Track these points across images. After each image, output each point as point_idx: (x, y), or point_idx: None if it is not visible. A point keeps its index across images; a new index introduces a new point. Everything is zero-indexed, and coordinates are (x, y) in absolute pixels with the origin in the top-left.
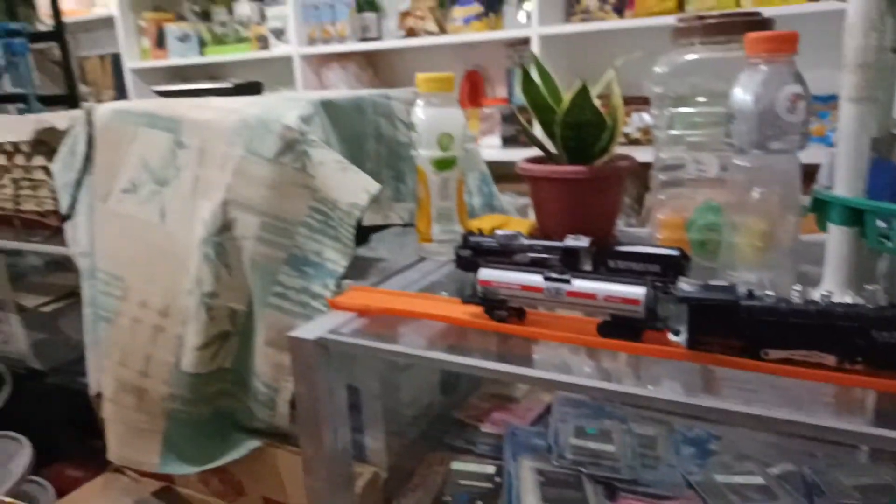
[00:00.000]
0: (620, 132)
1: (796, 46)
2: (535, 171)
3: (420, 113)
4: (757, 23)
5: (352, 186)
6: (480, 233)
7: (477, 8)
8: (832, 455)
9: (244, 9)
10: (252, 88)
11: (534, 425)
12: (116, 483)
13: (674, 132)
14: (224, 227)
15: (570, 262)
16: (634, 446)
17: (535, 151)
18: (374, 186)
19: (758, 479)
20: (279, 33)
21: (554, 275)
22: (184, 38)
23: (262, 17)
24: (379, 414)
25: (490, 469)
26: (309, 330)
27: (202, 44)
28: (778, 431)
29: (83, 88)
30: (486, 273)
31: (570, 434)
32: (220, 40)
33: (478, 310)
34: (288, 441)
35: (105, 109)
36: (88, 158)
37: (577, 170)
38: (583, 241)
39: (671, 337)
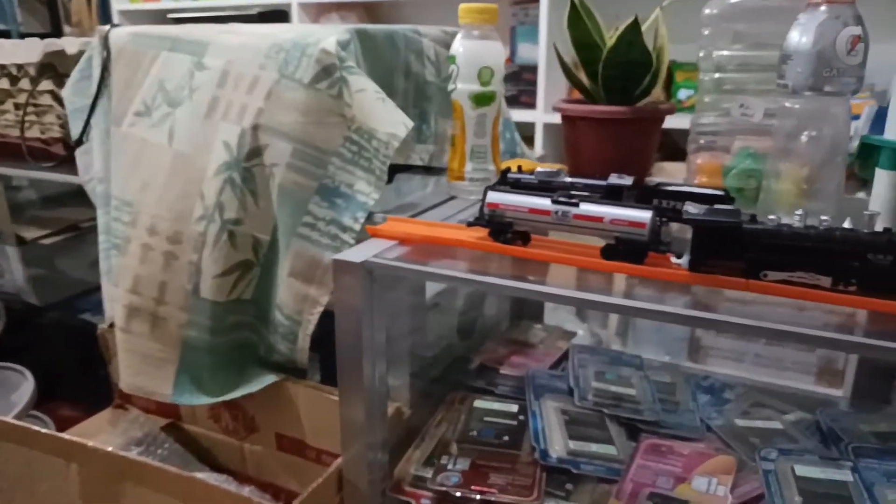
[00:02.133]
0: (664, 75)
1: None
2: (575, 110)
3: (460, 45)
4: None
5: (390, 118)
6: (520, 169)
7: None
8: (843, 406)
9: None
10: (278, 16)
11: (552, 370)
12: (123, 416)
13: (719, 75)
14: (253, 153)
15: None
16: (654, 391)
17: (539, 113)
18: (409, 122)
19: (776, 424)
20: None
21: (562, 198)
22: None
23: None
24: (404, 352)
25: (513, 407)
26: (353, 254)
27: None
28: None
29: (66, 29)
30: (494, 196)
31: (590, 378)
32: None
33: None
34: (305, 377)
35: (122, 32)
36: (103, 82)
37: (619, 110)
38: (626, 180)
39: (674, 260)
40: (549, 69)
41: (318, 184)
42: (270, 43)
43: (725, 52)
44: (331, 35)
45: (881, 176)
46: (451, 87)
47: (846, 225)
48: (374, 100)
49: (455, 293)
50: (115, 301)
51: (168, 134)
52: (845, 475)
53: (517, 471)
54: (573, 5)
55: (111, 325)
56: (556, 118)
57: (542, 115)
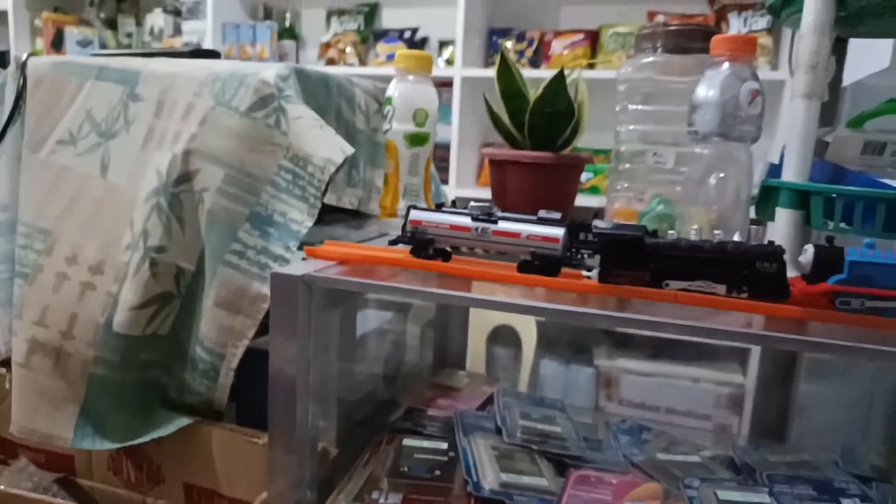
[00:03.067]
0: (584, 127)
1: (756, 49)
2: (504, 155)
3: (396, 88)
4: (709, 32)
5: (327, 143)
6: (454, 204)
7: (400, 46)
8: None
9: (158, 20)
10: (210, 54)
11: (479, 411)
12: (10, 468)
13: (633, 126)
14: (183, 178)
15: None
16: (577, 430)
17: (452, 188)
18: (348, 148)
19: (695, 458)
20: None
21: (482, 215)
22: (85, 43)
23: (177, 31)
24: (332, 391)
25: (443, 445)
26: (293, 269)
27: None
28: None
29: None
30: (416, 214)
31: (517, 417)
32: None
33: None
34: (221, 419)
35: (42, 61)
36: (17, 109)
37: (545, 155)
38: (555, 215)
39: (584, 273)
40: (460, 148)
41: (249, 211)
42: (207, 73)
43: (640, 106)
44: (270, 69)
45: (781, 214)
46: (386, 126)
47: (736, 239)
48: (311, 126)
49: (381, 335)
50: (14, 334)
51: (100, 164)
52: (763, 498)
53: (452, 502)
54: (502, 58)
55: (5, 361)
56: (469, 192)
57: (454, 190)
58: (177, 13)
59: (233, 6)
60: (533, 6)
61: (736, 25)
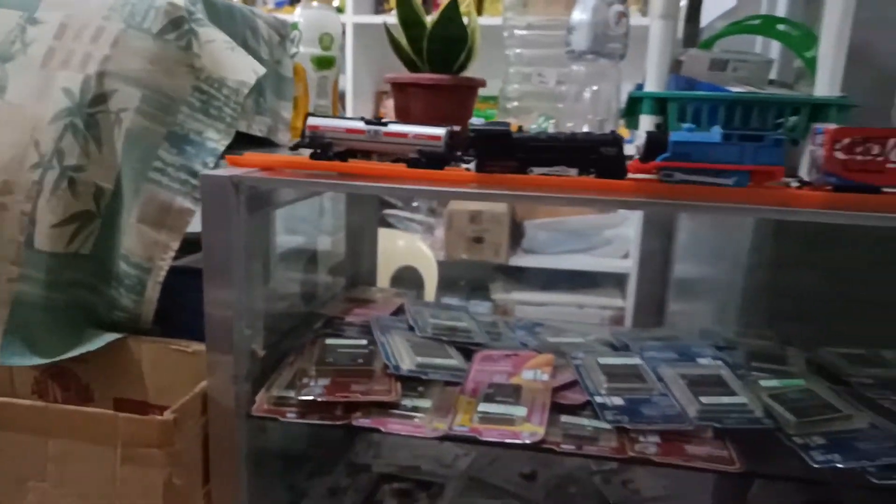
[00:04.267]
0: (476, 54)
1: None
2: (405, 78)
3: (301, 14)
4: None
5: (240, 65)
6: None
7: None
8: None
9: None
10: None
11: (393, 316)
12: None
13: (519, 50)
14: (98, 99)
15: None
16: (480, 326)
17: None
18: (260, 69)
19: (580, 340)
20: None
21: (373, 118)
22: None
23: None
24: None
25: (363, 341)
26: (220, 172)
27: None
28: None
29: None
30: (314, 120)
31: (427, 318)
32: None
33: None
34: (148, 335)
35: None
36: None
37: (443, 77)
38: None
39: (464, 166)
40: (355, 96)
41: (167, 130)
42: None
43: (524, 32)
44: None
45: (644, 120)
46: (294, 51)
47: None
48: (223, 49)
49: (298, 254)
50: None
51: None
52: (636, 361)
53: (375, 381)
54: None
55: None
56: None
57: None
58: None
59: None
60: None
61: None
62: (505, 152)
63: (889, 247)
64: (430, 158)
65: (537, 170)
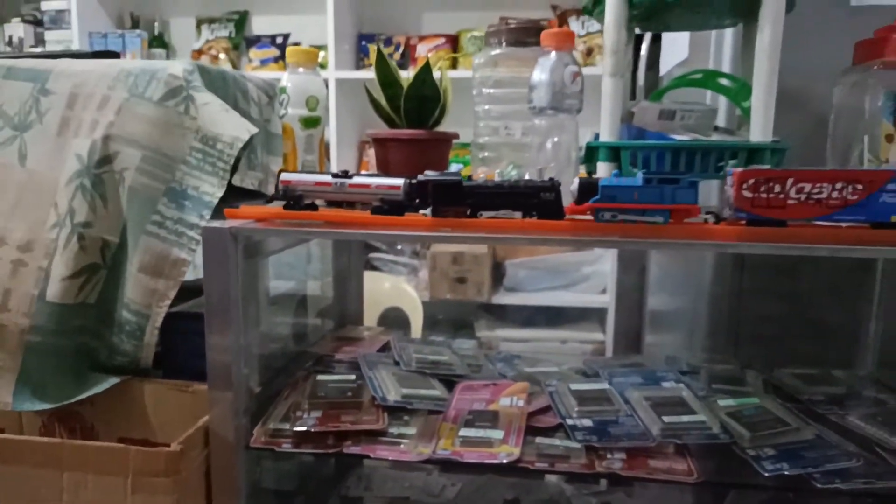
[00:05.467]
0: (449, 110)
1: (574, 41)
2: (385, 133)
3: (289, 79)
4: (541, 28)
5: (234, 124)
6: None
7: (274, 52)
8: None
9: (17, 30)
10: (111, 55)
11: (380, 352)
12: None
13: (488, 107)
14: (104, 161)
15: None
16: (461, 359)
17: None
18: (252, 128)
19: (554, 369)
20: None
21: (339, 172)
22: None
23: (39, 41)
24: (254, 338)
25: (352, 376)
26: (219, 224)
27: None
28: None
29: None
30: (286, 175)
31: (412, 353)
32: None
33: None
34: (149, 377)
35: None
36: None
37: (419, 132)
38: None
39: (422, 212)
40: (339, 145)
41: (165, 187)
42: (118, 69)
43: (492, 90)
44: (177, 65)
45: (601, 166)
46: (282, 112)
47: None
48: (218, 110)
49: (290, 298)
50: None
51: (18, 155)
52: (604, 386)
53: (363, 412)
54: (379, 53)
55: None
56: None
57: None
58: (37, 23)
59: (98, 15)
60: (398, 12)
61: (575, 28)
62: (457, 199)
63: (841, 274)
64: (391, 205)
65: (486, 213)
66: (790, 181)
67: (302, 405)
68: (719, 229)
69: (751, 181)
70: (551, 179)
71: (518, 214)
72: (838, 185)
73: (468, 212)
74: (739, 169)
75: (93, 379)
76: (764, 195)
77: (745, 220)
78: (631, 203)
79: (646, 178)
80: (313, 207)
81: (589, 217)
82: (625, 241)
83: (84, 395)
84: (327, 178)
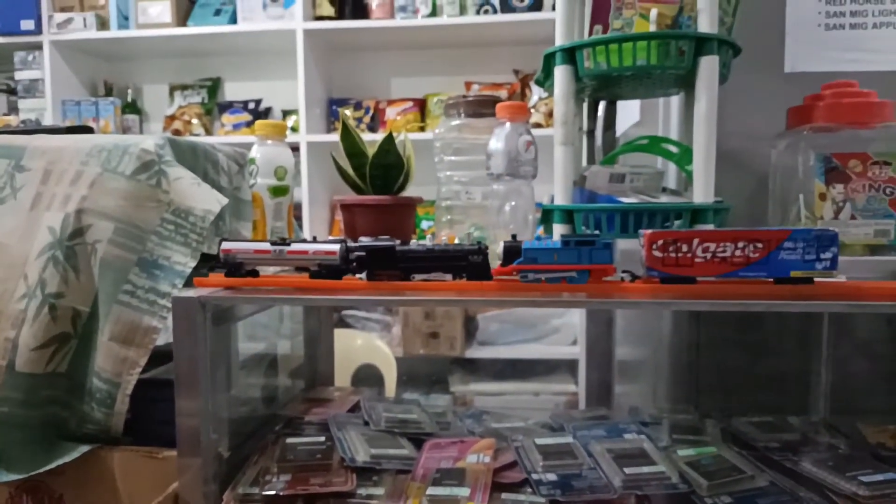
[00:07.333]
0: (413, 177)
1: (528, 112)
2: (352, 200)
3: (258, 151)
4: (496, 100)
5: (205, 197)
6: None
7: (246, 116)
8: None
9: None
10: (84, 130)
11: (349, 413)
12: None
13: (449, 173)
14: (76, 233)
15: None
16: (431, 417)
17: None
18: (223, 199)
19: (520, 423)
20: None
21: (277, 240)
22: None
23: (13, 109)
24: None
25: (321, 438)
26: (188, 293)
27: None
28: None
29: None
30: (227, 244)
31: (381, 412)
32: None
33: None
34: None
35: None
36: None
37: (384, 198)
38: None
39: (357, 276)
40: (311, 205)
41: (137, 257)
42: (91, 145)
43: (452, 157)
44: (148, 140)
45: (557, 228)
46: (252, 182)
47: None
48: (190, 184)
49: (259, 360)
50: None
51: None
52: (569, 439)
53: (332, 474)
54: (344, 125)
55: None
56: None
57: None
58: (11, 91)
59: (71, 83)
60: (367, 78)
61: (537, 92)
62: (390, 263)
63: (790, 325)
64: (329, 270)
65: (418, 276)
66: (696, 241)
67: (271, 469)
68: (634, 287)
69: (660, 242)
70: (479, 243)
71: (448, 277)
72: (740, 244)
73: (400, 275)
74: (648, 231)
75: (62, 448)
76: (673, 254)
77: (657, 278)
78: (551, 264)
79: (563, 240)
80: (255, 274)
81: (515, 277)
82: (545, 301)
83: (53, 465)
84: (266, 246)
